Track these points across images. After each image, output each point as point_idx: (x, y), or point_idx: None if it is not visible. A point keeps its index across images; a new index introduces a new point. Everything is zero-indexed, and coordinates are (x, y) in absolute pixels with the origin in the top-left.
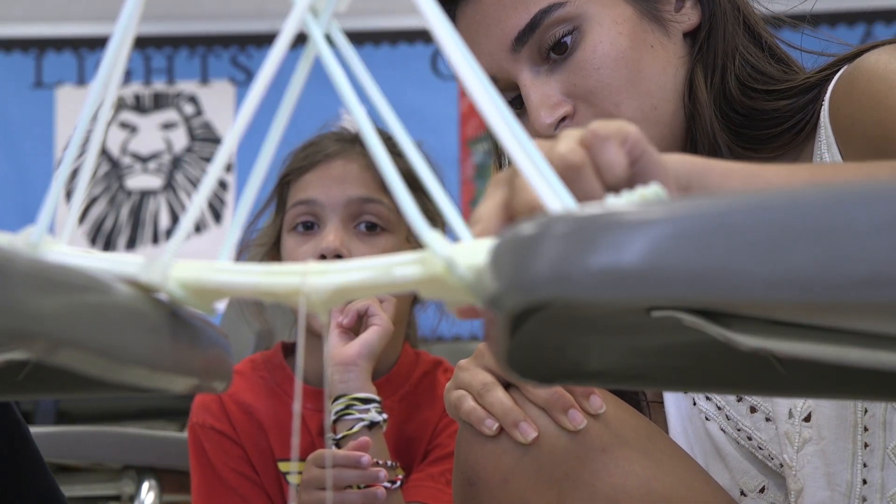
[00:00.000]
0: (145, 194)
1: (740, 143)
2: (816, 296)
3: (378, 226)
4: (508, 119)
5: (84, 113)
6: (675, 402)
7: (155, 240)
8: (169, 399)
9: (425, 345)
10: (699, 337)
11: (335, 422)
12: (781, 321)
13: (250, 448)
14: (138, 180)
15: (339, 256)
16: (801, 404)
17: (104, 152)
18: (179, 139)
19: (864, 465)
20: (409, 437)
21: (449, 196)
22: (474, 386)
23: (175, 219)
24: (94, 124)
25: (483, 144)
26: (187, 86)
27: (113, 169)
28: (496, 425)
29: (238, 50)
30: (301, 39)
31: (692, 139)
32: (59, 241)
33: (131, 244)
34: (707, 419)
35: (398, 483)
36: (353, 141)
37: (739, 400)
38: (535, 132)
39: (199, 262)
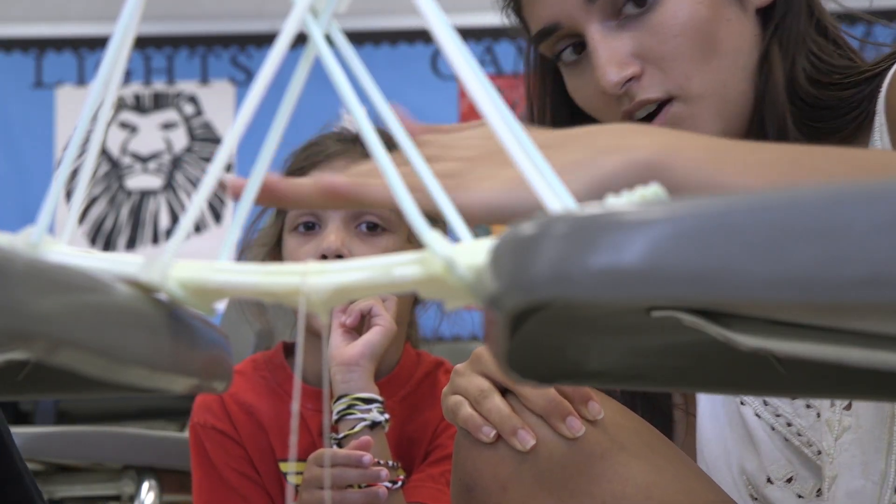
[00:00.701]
0: (145, 194)
1: (804, 132)
2: (816, 296)
3: (379, 226)
4: (508, 119)
5: (84, 113)
6: None
7: (155, 240)
8: (169, 399)
9: (426, 345)
10: (699, 337)
11: (337, 421)
12: (781, 321)
13: (251, 448)
14: (138, 180)
15: (340, 256)
16: None
17: (104, 152)
18: (179, 139)
19: None
20: (409, 437)
21: None
22: (471, 392)
23: (175, 219)
24: (94, 124)
25: None
26: (187, 86)
27: (113, 169)
28: (493, 433)
29: (238, 50)
30: (301, 39)
31: (759, 122)
32: (58, 241)
33: (131, 244)
34: (742, 403)
35: (399, 483)
36: (354, 141)
37: None
38: (598, 87)
39: (198, 262)
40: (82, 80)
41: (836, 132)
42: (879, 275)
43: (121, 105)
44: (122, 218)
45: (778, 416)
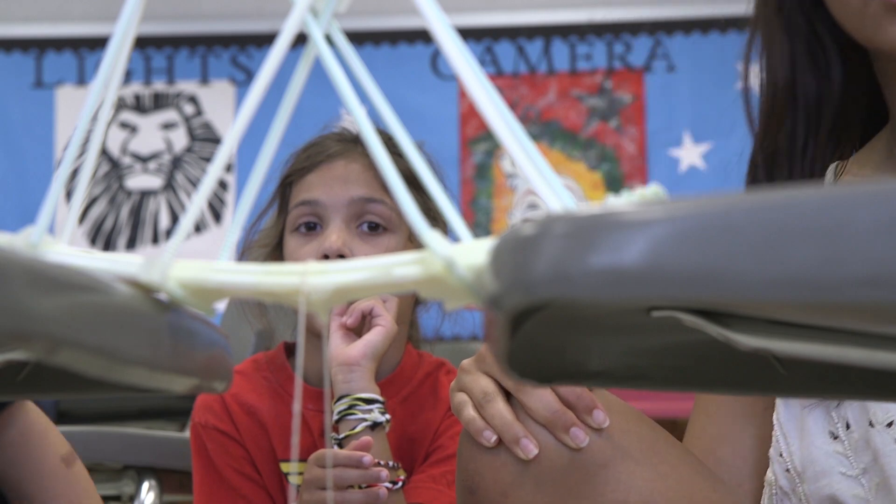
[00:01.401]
0: (145, 194)
1: None
2: (816, 296)
3: (380, 226)
4: (509, 119)
5: (84, 113)
6: None
7: (155, 240)
8: (169, 399)
9: (426, 345)
10: (699, 337)
11: (338, 422)
12: (781, 321)
13: (252, 448)
14: (138, 180)
15: (341, 257)
16: None
17: (104, 152)
18: (179, 139)
19: None
20: (410, 438)
21: (449, 196)
22: (475, 394)
23: (175, 219)
24: (94, 124)
25: (483, 144)
26: (187, 86)
27: (113, 169)
28: (494, 437)
29: (238, 50)
30: (301, 39)
31: None
32: (58, 241)
33: (131, 244)
34: None
35: (400, 483)
36: (355, 141)
37: None
38: None
39: (198, 262)
40: (82, 80)
41: None
42: (879, 275)
43: (121, 105)
44: (122, 218)
45: None
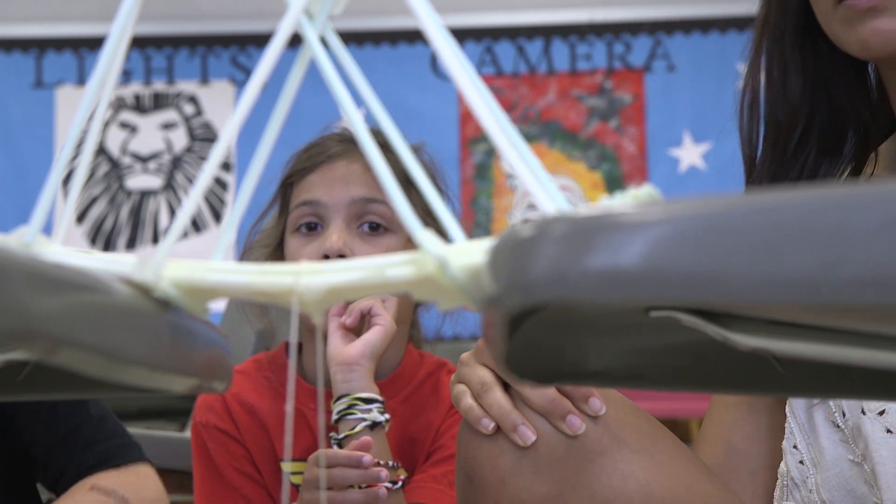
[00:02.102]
0: (145, 194)
1: None
2: (816, 297)
3: (381, 226)
4: (503, 121)
5: (80, 112)
6: None
7: (155, 240)
8: (169, 399)
9: (427, 345)
10: (698, 337)
11: (337, 422)
12: (781, 321)
13: (253, 448)
14: (138, 180)
15: (342, 257)
16: None
17: (104, 152)
18: (179, 139)
19: None
20: (412, 438)
21: (450, 196)
22: (473, 383)
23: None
24: (90, 124)
25: (483, 144)
26: (187, 86)
27: (113, 169)
28: (492, 425)
29: (238, 50)
30: (298, 40)
31: None
32: (53, 241)
33: (131, 244)
34: None
35: (400, 483)
36: (356, 142)
37: None
38: None
39: (192, 262)
40: (82, 80)
41: None
42: (879, 276)
43: (121, 105)
44: (122, 218)
45: None
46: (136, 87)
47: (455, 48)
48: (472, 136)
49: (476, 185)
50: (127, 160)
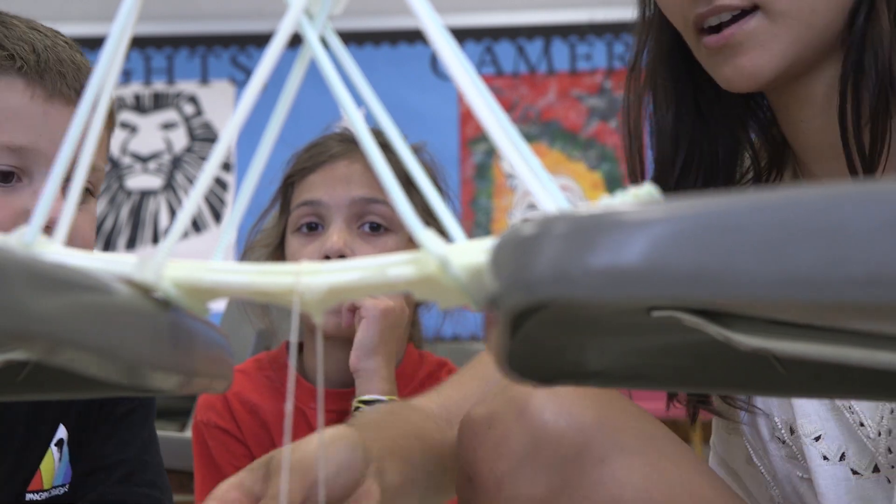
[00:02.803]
0: (145, 194)
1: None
2: (817, 296)
3: (382, 226)
4: (503, 121)
5: (80, 112)
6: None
7: (155, 240)
8: (169, 399)
9: (427, 345)
10: (699, 337)
11: None
12: (781, 321)
13: (254, 447)
14: (138, 180)
15: (342, 257)
16: None
17: None
18: (179, 139)
19: None
20: None
21: (450, 196)
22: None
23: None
24: (90, 124)
25: (483, 144)
26: (187, 86)
27: (113, 169)
28: None
29: (238, 50)
30: (299, 39)
31: (855, 65)
32: (53, 241)
33: (131, 244)
34: None
35: None
36: (357, 142)
37: None
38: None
39: (192, 262)
40: None
41: None
42: (880, 275)
43: (121, 105)
44: (122, 218)
45: None
46: (136, 87)
47: (455, 48)
48: (473, 136)
49: (476, 185)
50: (127, 160)
